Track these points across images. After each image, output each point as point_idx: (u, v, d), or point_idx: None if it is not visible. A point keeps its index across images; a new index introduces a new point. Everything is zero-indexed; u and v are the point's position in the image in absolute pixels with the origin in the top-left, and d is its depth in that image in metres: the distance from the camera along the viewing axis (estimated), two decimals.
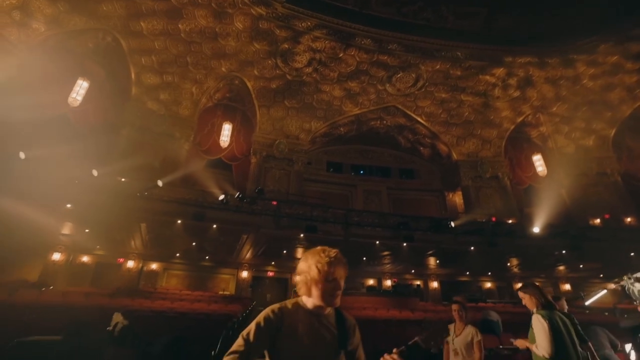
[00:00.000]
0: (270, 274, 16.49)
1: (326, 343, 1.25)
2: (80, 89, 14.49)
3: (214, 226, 9.34)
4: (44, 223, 9.28)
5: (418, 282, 15.58)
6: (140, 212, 8.63)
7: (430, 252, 12.12)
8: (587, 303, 4.84)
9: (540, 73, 17.51)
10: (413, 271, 14.51)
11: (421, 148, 21.59)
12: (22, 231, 9.55)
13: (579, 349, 2.66)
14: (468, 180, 19.42)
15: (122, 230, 10.24)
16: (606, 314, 8.51)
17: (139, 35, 14.46)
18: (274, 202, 15.44)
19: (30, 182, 7.36)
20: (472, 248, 10.68)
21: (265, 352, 1.26)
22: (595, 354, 3.67)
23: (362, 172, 21.92)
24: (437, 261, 12.88)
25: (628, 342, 5.21)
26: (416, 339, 1.19)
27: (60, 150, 9.18)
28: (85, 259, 13.08)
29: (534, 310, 2.80)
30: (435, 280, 14.66)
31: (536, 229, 10.82)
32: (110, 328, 3.41)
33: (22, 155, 7.43)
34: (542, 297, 2.81)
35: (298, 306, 1.32)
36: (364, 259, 11.84)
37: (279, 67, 16.79)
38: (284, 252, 12.52)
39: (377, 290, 12.72)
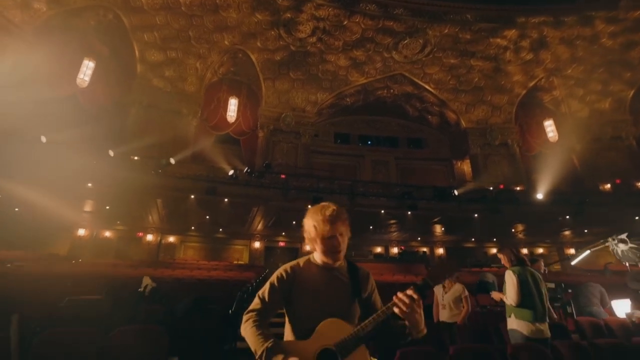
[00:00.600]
0: (282, 244, 17.31)
1: (339, 293, 1.27)
2: (87, 69, 14.77)
3: (225, 200, 9.90)
4: (67, 202, 9.99)
5: (424, 249, 16.19)
6: (156, 189, 9.20)
7: (436, 219, 12.53)
8: (572, 263, 5.21)
9: (555, 33, 16.80)
10: (419, 238, 15.06)
11: (429, 116, 21.39)
12: (48, 210, 10.32)
13: (546, 303, 3.07)
14: (477, 148, 19.36)
15: (140, 206, 10.93)
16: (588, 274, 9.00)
17: (139, 10, 14.39)
18: (283, 176, 15.97)
19: (51, 164, 7.92)
20: (475, 215, 11.03)
21: (284, 309, 1.31)
22: (551, 309, 4.13)
23: (369, 142, 22.01)
24: (443, 229, 13.34)
25: (614, 299, 5.61)
26: (425, 277, 1.17)
27: (75, 133, 9.65)
28: (107, 234, 14.02)
29: (508, 267, 3.20)
30: (441, 247, 15.21)
31: (540, 195, 11.02)
32: (141, 289, 3.99)
33: (43, 139, 7.94)
34: (514, 256, 3.19)
35: (310, 262, 1.36)
36: (371, 227, 12.37)
37: (282, 37, 16.56)
38: (294, 222, 13.15)
39: (384, 257, 13.36)
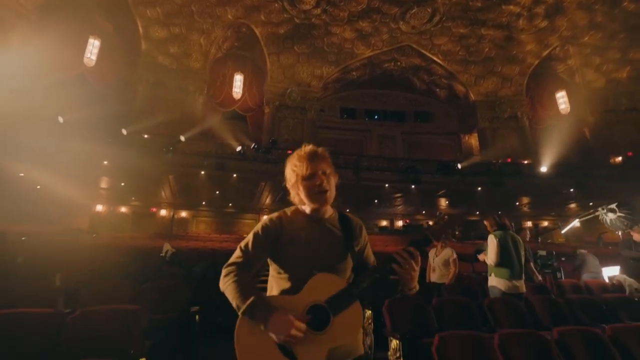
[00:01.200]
0: None
1: (331, 245, 1.16)
2: (92, 47, 14.92)
3: (234, 175, 10.34)
4: (85, 179, 10.56)
5: (430, 222, 16.61)
6: (167, 165, 9.67)
7: (440, 192, 12.82)
8: (562, 232, 5.53)
9: None
10: (424, 212, 15.45)
11: (437, 89, 21.11)
12: (68, 187, 10.95)
13: (523, 262, 3.43)
14: (485, 121, 19.21)
15: (153, 183, 11.49)
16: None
17: None
18: (289, 151, 16.28)
19: (69, 144, 8.38)
20: (479, 188, 11.27)
21: (270, 261, 1.20)
22: (535, 272, 4.52)
23: (376, 117, 21.96)
24: (447, 202, 13.65)
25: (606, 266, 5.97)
26: (425, 232, 1.08)
27: (89, 113, 10.03)
28: (123, 209, 14.77)
29: (491, 231, 3.55)
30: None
31: (543, 169, 11.13)
32: (162, 254, 4.50)
33: (60, 119, 8.34)
34: (496, 222, 3.53)
35: (298, 211, 1.24)
36: (375, 201, 12.76)
37: (286, 10, 16.30)
38: None
39: (388, 230, 13.85)
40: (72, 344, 2.03)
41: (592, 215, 5.52)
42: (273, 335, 0.98)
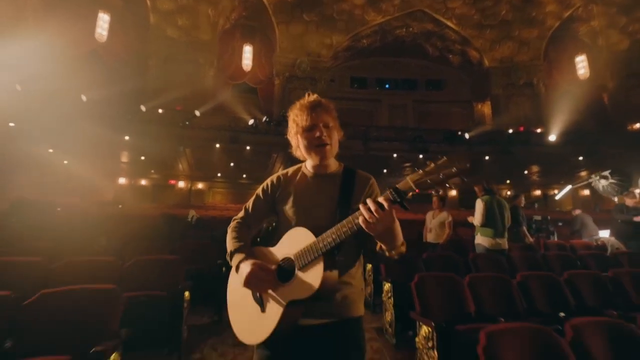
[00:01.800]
0: None
1: (323, 200, 1.11)
2: (102, 22, 15.16)
3: (247, 148, 10.84)
4: (108, 154, 11.27)
5: (440, 192, 16.97)
6: (184, 139, 10.21)
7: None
8: (556, 198, 5.87)
9: None
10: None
11: (450, 56, 20.58)
12: (92, 162, 11.73)
13: (506, 223, 3.88)
14: (499, 88, 18.84)
15: (171, 156, 12.12)
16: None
17: None
18: None
19: (91, 120, 8.96)
20: (487, 157, 11.46)
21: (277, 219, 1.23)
22: (527, 234, 4.96)
23: (387, 85, 21.73)
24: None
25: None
26: (407, 180, 0.91)
27: (109, 91, 10.51)
28: (143, 182, 15.64)
29: (480, 196, 3.98)
30: (453, 189, 15.92)
31: (552, 137, 11.16)
32: (189, 219, 5.13)
33: (83, 97, 8.87)
34: (484, 188, 3.95)
35: (299, 170, 1.24)
36: (385, 171, 13.16)
37: None
38: None
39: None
40: (130, 284, 2.59)
41: (586, 183, 5.84)
42: (241, 280, 1.02)
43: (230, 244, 1.14)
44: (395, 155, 11.38)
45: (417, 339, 2.19)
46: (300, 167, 1.25)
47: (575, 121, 15.53)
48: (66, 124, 8.98)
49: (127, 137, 9.62)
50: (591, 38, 18.96)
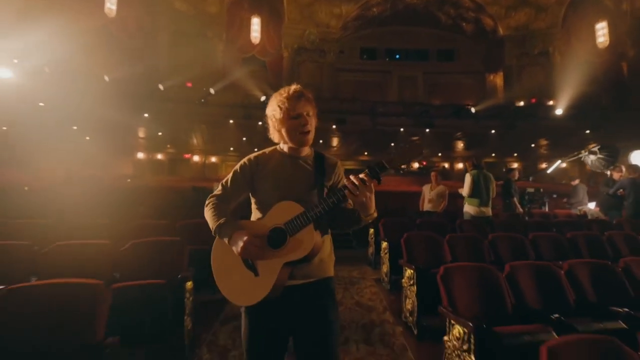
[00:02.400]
0: None
1: (301, 179, 1.26)
2: None
3: (259, 123, 11.36)
4: (127, 130, 12.01)
5: (445, 164, 17.43)
6: (200, 116, 10.83)
7: (458, 134, 13.47)
8: (548, 172, 6.39)
9: None
10: (440, 154, 16.21)
11: (463, 24, 20.17)
12: (113, 136, 12.52)
13: (491, 194, 4.51)
14: (512, 58, 18.60)
15: (186, 131, 12.82)
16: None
17: None
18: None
19: (113, 100, 9.61)
20: (492, 131, 11.81)
21: (250, 195, 1.32)
22: (517, 205, 5.57)
23: (397, 56, 21.59)
24: (462, 144, 14.29)
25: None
26: (382, 160, 1.12)
27: (127, 71, 11.05)
28: (159, 156, 16.50)
29: (469, 171, 4.60)
30: (460, 162, 16.35)
31: (559, 111, 11.36)
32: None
33: (106, 78, 9.49)
34: (473, 163, 4.55)
35: (276, 151, 1.35)
36: (392, 144, 13.68)
37: None
38: (320, 141, 14.70)
39: (404, 171, 14.93)
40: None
41: (576, 157, 6.34)
42: (234, 249, 1.13)
43: (214, 218, 1.21)
44: (402, 129, 11.84)
45: (403, 280, 2.94)
46: (276, 149, 1.36)
47: (590, 92, 15.46)
48: (89, 103, 9.68)
49: (146, 115, 10.30)
50: (615, 2, 18.28)
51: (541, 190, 6.95)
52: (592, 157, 6.18)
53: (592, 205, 6.57)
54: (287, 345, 1.25)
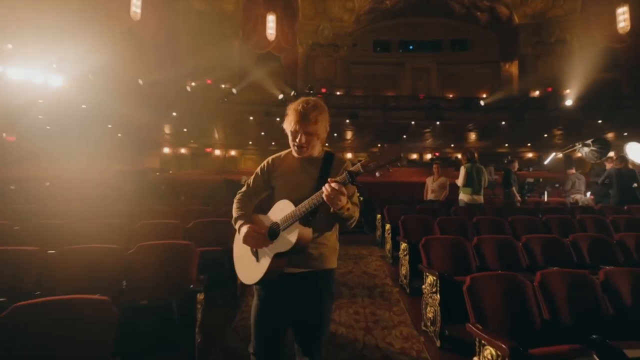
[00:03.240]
0: None
1: (306, 179, 1.42)
2: (136, 0, 16.44)
3: (277, 119, 12.26)
4: (155, 127, 13.15)
5: (458, 155, 17.88)
6: (222, 114, 11.82)
7: (470, 126, 13.95)
8: (545, 163, 6.94)
9: None
10: (452, 145, 16.69)
11: (478, 13, 20.28)
12: (142, 133, 13.73)
13: (482, 184, 5.23)
14: (527, 47, 18.69)
15: (209, 127, 13.88)
16: None
17: None
18: (324, 90, 17.74)
19: (145, 100, 10.69)
20: (503, 123, 12.25)
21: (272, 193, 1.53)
22: (515, 194, 6.23)
23: (410, 47, 21.92)
24: (475, 136, 14.75)
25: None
26: (358, 164, 1.21)
27: (160, 75, 12.12)
28: (183, 150, 17.73)
29: (463, 163, 5.33)
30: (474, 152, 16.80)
31: (568, 102, 11.67)
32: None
33: (140, 81, 10.58)
34: (467, 157, 5.28)
35: (289, 154, 1.54)
36: (404, 137, 14.30)
37: None
38: (335, 134, 15.49)
39: (417, 163, 15.55)
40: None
41: (571, 149, 6.93)
42: (241, 239, 1.39)
43: (234, 212, 1.47)
44: (412, 122, 12.46)
45: (399, 253, 3.78)
46: (290, 151, 1.53)
47: (609, 79, 15.47)
48: (124, 104, 10.82)
49: (174, 114, 11.37)
50: None
51: (540, 180, 7.55)
52: (586, 149, 6.76)
53: (587, 194, 7.14)
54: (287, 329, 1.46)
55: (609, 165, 6.57)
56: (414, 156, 18.11)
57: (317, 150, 1.49)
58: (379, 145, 15.71)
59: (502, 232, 4.02)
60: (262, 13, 18.99)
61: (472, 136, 15.95)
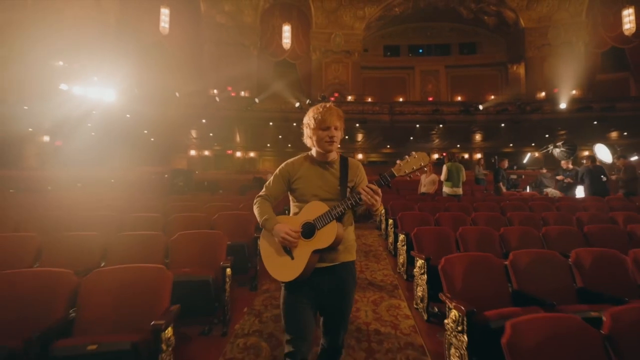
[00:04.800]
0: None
1: (328, 181, 1.59)
2: (164, 16, 18.46)
3: (294, 124, 13.93)
4: (183, 131, 15.03)
5: (465, 155, 19.10)
6: (245, 120, 13.57)
7: (474, 128, 15.25)
8: (524, 162, 8.26)
9: None
10: (458, 145, 17.95)
11: (485, 17, 21.41)
12: (172, 137, 15.66)
13: (461, 179, 6.69)
14: (533, 50, 19.72)
15: (232, 131, 15.71)
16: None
17: None
18: (336, 94, 19.36)
19: (179, 109, 12.54)
20: (502, 125, 13.50)
21: (289, 194, 1.68)
22: (502, 188, 7.63)
23: (420, 51, 23.22)
24: (477, 137, 16.02)
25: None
26: (391, 169, 1.44)
27: (193, 85, 14.03)
28: (206, 152, 19.64)
29: (446, 162, 6.81)
30: (479, 152, 17.99)
31: (563, 105, 12.81)
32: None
33: (177, 94, 12.46)
34: (449, 157, 6.75)
35: (307, 157, 1.68)
36: (411, 138, 15.72)
37: None
38: (346, 137, 17.06)
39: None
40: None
41: (546, 150, 8.29)
42: (276, 238, 1.52)
43: (261, 213, 1.61)
44: (417, 125, 13.87)
45: (388, 227, 5.31)
46: (308, 155, 1.70)
47: (615, 80, 16.31)
48: (161, 113, 12.72)
49: (203, 120, 13.20)
50: None
51: (522, 176, 8.91)
52: (557, 150, 8.15)
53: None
54: (315, 319, 1.59)
55: (565, 165, 7.75)
56: None
57: (333, 154, 1.65)
58: (388, 146, 17.19)
59: (468, 213, 5.48)
60: (279, 24, 20.76)
61: (477, 137, 17.19)
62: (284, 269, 1.53)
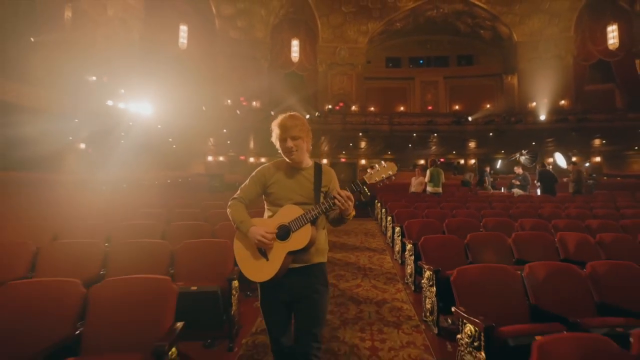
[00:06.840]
0: (343, 160, 23.73)
1: (302, 186, 1.71)
2: (183, 33, 20.79)
3: None
4: (202, 139, 17.31)
5: (461, 160, 21.16)
6: (259, 129, 15.76)
7: (467, 136, 17.40)
8: (497, 167, 10.32)
9: None
10: (454, 152, 20.03)
11: (481, 31, 23.59)
12: (193, 144, 17.93)
13: (441, 181, 8.79)
14: (525, 62, 21.83)
15: (248, 139, 17.95)
16: None
17: None
18: (341, 104, 21.62)
19: (200, 121, 14.80)
20: (490, 134, 15.60)
21: (263, 197, 1.81)
22: (488, 188, 9.73)
23: (421, 62, 25.43)
24: (471, 144, 18.16)
25: None
26: (363, 178, 1.62)
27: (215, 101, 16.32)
28: (221, 158, 21.87)
29: (429, 167, 8.92)
30: (473, 158, 20.07)
31: (542, 117, 14.89)
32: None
33: (203, 108, 14.68)
34: (432, 162, 8.87)
35: (283, 162, 1.80)
36: (410, 145, 17.87)
37: None
38: (350, 144, 19.23)
39: (422, 167, 19.14)
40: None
41: (513, 157, 10.39)
42: (251, 240, 1.63)
43: (237, 216, 1.71)
44: (414, 134, 16.01)
45: (395, 236, 7.42)
46: (283, 160, 1.81)
47: (602, 91, 18.30)
48: (185, 123, 14.97)
49: (225, 130, 15.43)
50: (629, 3, 20.77)
51: (497, 179, 11.03)
52: (523, 157, 10.26)
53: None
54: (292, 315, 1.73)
55: (518, 170, 9.75)
56: (421, 162, 21.57)
57: (306, 161, 1.81)
58: (389, 152, 19.32)
59: (440, 207, 7.59)
60: (288, 38, 23.06)
61: (472, 144, 19.30)
62: (258, 270, 1.65)
